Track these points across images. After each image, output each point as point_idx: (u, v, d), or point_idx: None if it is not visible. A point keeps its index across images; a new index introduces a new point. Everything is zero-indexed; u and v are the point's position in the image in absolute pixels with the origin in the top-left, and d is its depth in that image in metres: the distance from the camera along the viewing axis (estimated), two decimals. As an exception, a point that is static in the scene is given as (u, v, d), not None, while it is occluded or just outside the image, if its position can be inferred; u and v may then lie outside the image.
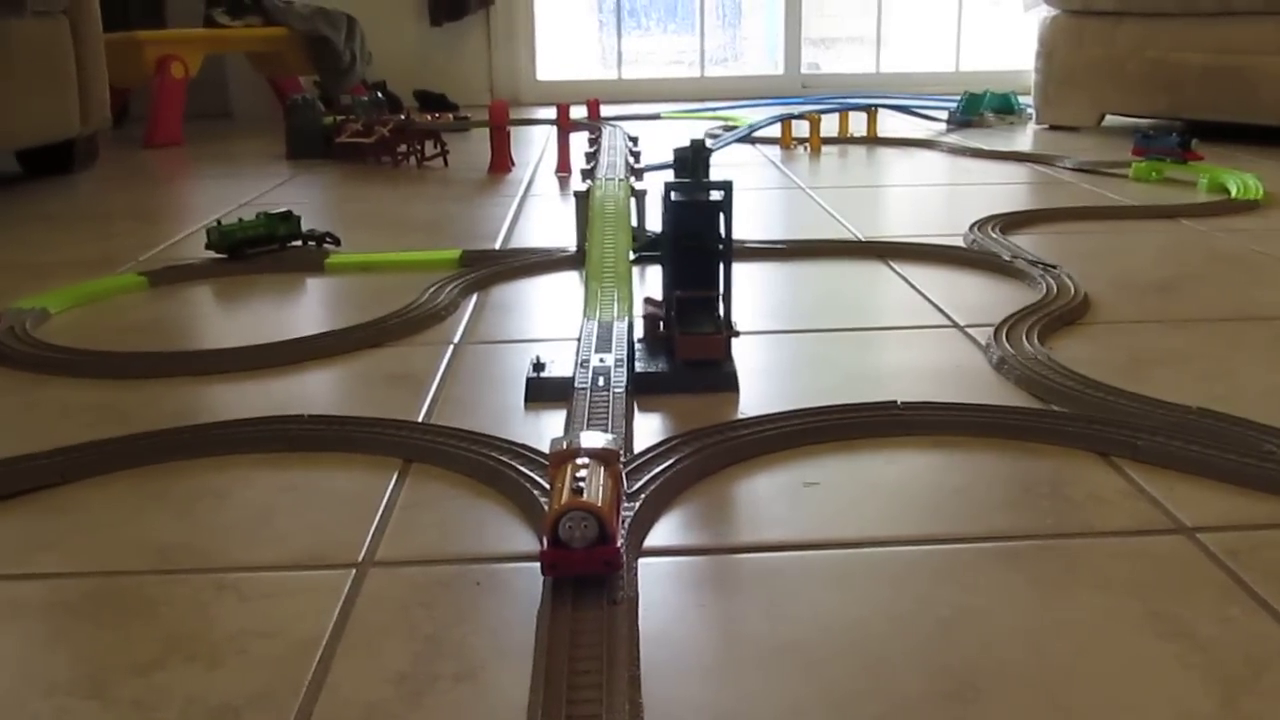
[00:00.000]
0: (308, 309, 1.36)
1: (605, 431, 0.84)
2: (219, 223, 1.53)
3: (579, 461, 0.68)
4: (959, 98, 3.23)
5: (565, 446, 0.70)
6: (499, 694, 0.57)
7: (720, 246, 1.04)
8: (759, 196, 2.06)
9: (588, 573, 0.64)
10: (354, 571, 0.70)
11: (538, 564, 0.64)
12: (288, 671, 0.59)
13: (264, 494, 0.82)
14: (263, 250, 1.55)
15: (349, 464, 0.87)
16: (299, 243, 1.59)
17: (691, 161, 1.08)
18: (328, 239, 1.60)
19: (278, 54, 3.34)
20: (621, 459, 0.74)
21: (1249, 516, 0.76)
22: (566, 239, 1.62)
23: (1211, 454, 0.82)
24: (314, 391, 1.04)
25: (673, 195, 1.05)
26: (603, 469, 0.68)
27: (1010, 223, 1.71)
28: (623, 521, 0.73)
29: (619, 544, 0.64)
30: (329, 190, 2.23)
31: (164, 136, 2.93)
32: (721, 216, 1.04)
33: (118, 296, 1.40)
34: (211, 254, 1.53)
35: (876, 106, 2.97)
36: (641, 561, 0.71)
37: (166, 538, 0.75)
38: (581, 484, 0.65)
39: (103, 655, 0.61)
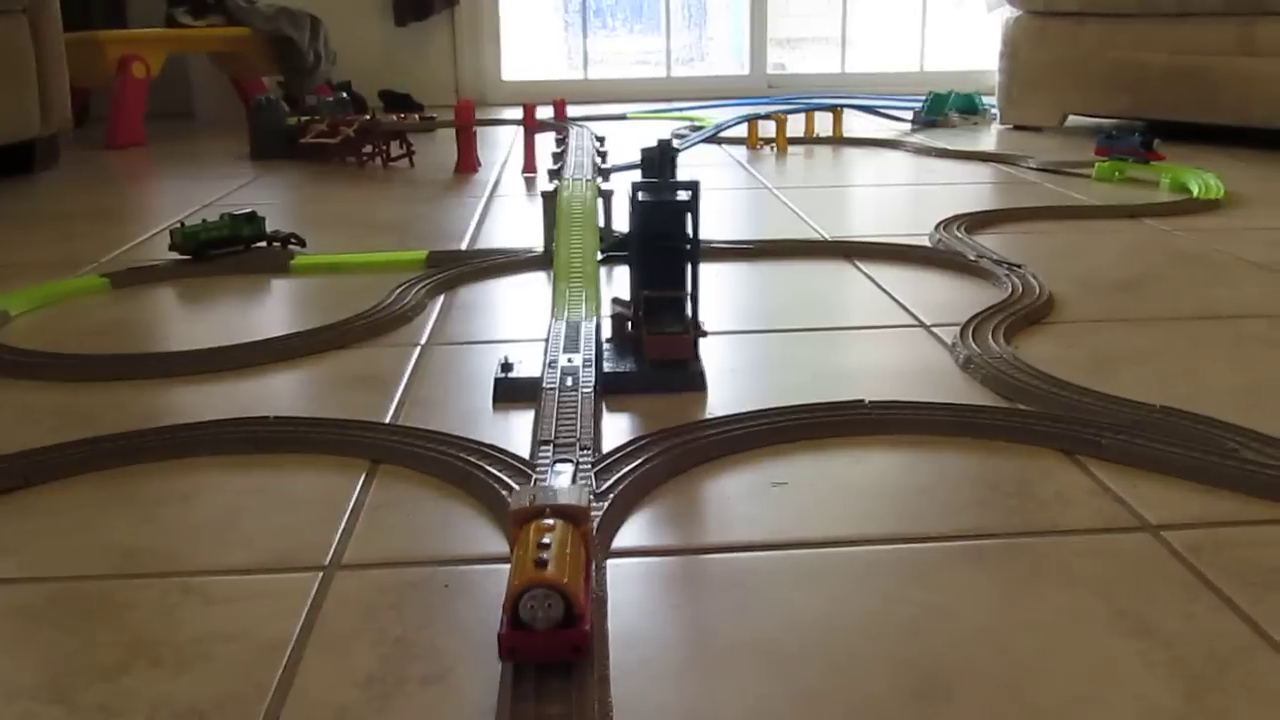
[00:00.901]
0: (273, 310, 1.35)
1: (575, 481, 0.77)
2: (182, 224, 1.52)
3: (544, 523, 0.60)
4: (924, 98, 3.24)
5: (529, 503, 0.62)
6: (468, 696, 0.57)
7: (688, 246, 1.04)
8: (725, 197, 2.06)
9: (552, 659, 0.56)
10: (321, 574, 0.70)
11: (506, 567, 0.64)
12: (255, 675, 0.59)
13: (230, 496, 0.81)
14: (227, 251, 1.54)
15: (316, 465, 0.87)
16: (264, 244, 1.58)
17: (659, 161, 1.08)
18: (292, 240, 1.59)
19: (241, 54, 3.31)
20: (593, 516, 0.65)
21: (1212, 514, 0.77)
22: (534, 239, 1.61)
23: (1175, 452, 0.83)
24: (280, 393, 1.04)
25: (640, 195, 1.05)
26: (570, 530, 0.60)
27: (975, 222, 1.72)
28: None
29: (588, 625, 0.56)
30: (293, 191, 2.22)
31: (126, 137, 2.91)
32: (689, 216, 1.04)
33: (80, 298, 1.39)
34: (175, 255, 1.51)
35: (842, 107, 2.98)
36: (610, 562, 0.71)
37: (131, 541, 0.75)
38: (545, 555, 0.57)
39: (67, 660, 0.61)
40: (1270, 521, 0.75)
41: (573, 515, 0.61)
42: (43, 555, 0.73)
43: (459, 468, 0.83)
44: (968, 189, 2.14)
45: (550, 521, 0.60)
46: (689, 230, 1.04)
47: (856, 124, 3.16)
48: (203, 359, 1.11)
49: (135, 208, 2.10)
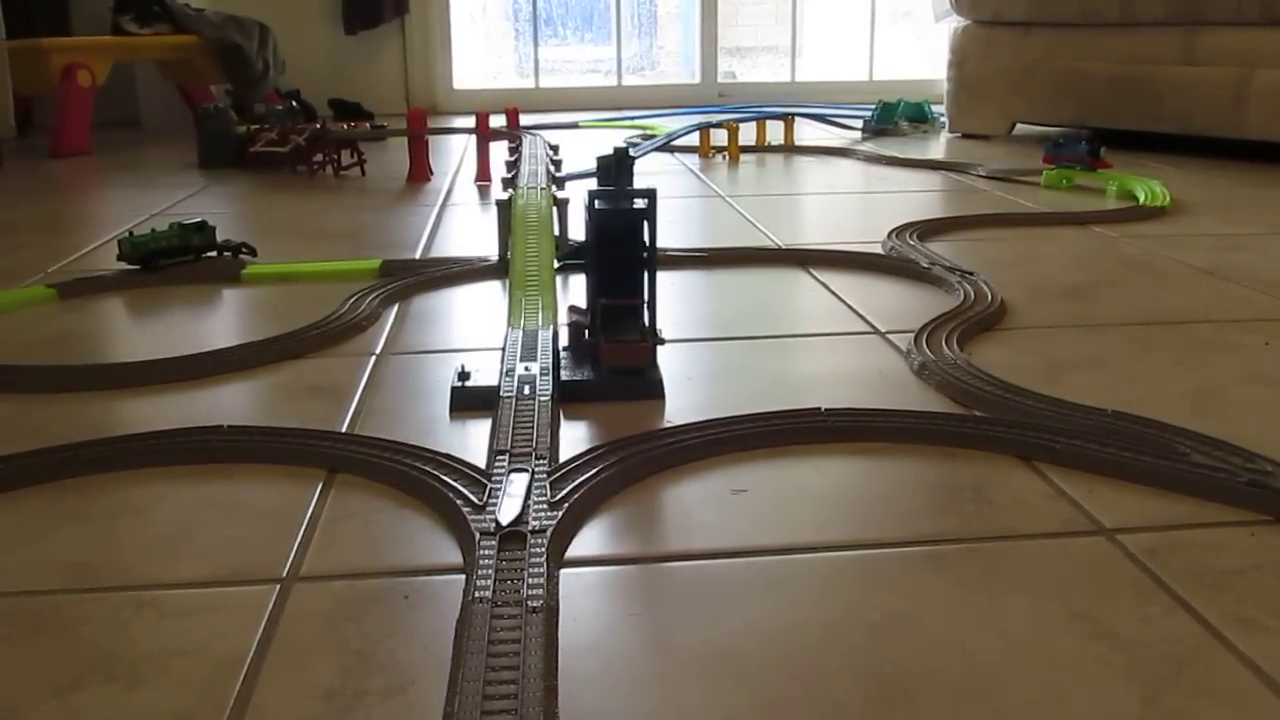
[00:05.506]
0: (225, 320, 1.34)
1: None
2: (130, 233, 1.50)
3: None
4: (874, 106, 3.27)
5: None
6: (429, 707, 0.56)
7: (644, 254, 1.04)
8: (679, 205, 2.07)
9: None
10: (278, 586, 0.69)
11: (465, 578, 0.63)
12: (211, 690, 0.58)
13: (183, 508, 0.80)
14: (176, 261, 1.52)
15: (271, 476, 0.85)
16: (214, 253, 1.56)
17: (615, 169, 1.08)
18: (243, 249, 1.57)
19: (188, 62, 3.28)
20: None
21: (1165, 517, 0.77)
22: (488, 248, 1.61)
23: (1128, 456, 0.84)
24: (233, 404, 1.02)
25: (597, 203, 1.05)
26: None
27: (927, 230, 1.74)
28: (545, 530, 0.72)
29: None
30: (243, 200, 2.19)
31: (71, 146, 2.86)
32: (646, 224, 1.04)
33: (26, 309, 1.36)
34: (123, 265, 1.49)
35: (793, 115, 3.00)
36: (569, 572, 0.71)
37: (82, 555, 0.73)
38: None
39: (18, 677, 0.60)
40: (1222, 524, 0.76)
41: None
42: (-9, 571, 0.72)
43: (416, 477, 0.82)
44: (919, 197, 2.16)
45: None
46: (646, 238, 1.04)
47: (807, 132, 3.18)
48: (153, 369, 1.09)
49: (82, 217, 2.07)
